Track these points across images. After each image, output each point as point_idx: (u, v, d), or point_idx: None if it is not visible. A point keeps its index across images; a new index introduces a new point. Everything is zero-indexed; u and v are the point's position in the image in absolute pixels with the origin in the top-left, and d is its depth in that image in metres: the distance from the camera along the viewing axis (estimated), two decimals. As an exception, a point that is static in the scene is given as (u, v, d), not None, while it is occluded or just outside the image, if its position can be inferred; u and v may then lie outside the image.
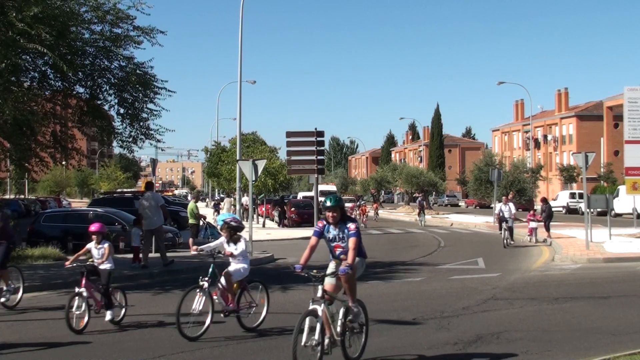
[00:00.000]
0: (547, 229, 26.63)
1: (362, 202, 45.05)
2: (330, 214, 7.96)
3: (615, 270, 17.72)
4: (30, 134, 17.11)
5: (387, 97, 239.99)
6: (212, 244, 10.17)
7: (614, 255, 20.13)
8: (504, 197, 28.44)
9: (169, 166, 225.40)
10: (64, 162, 22.10)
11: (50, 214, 26.34)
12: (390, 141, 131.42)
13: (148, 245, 18.13)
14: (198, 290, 9.43)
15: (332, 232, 8.01)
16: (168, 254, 18.28)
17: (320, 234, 8.06)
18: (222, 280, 9.64)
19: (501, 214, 25.58)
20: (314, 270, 7.69)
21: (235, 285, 9.80)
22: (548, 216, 26.90)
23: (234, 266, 9.77)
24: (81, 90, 17.67)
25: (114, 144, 19.56)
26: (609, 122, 69.71)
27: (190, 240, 22.10)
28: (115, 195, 41.72)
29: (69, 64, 14.92)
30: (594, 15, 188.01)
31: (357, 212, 39.97)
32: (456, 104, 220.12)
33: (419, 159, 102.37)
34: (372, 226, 38.12)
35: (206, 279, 9.51)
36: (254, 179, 21.79)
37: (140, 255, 17.71)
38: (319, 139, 33.66)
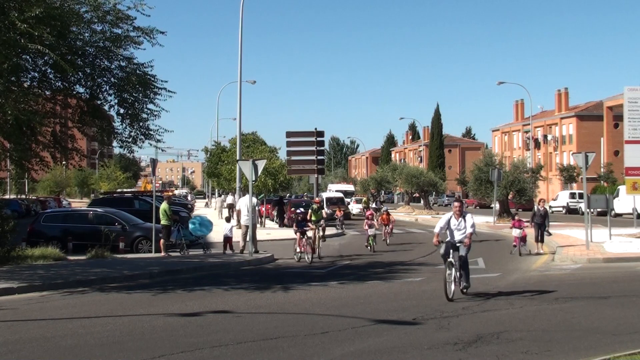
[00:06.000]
0: (539, 238, 21.90)
1: (385, 208, 31.67)
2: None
3: (615, 270, 17.71)
4: (30, 133, 17.10)
5: (387, 97, 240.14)
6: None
7: (614, 255, 20.12)
8: (454, 204, 13.62)
9: (169, 166, 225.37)
10: (64, 162, 22.11)
11: (50, 214, 26.33)
12: (390, 141, 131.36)
13: (253, 237, 21.50)
14: None
15: None
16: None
17: None
18: None
19: (448, 232, 13.46)
20: None
21: None
22: (543, 223, 21.74)
23: None
24: (81, 90, 17.65)
25: (114, 144, 19.57)
26: (609, 122, 69.66)
27: (162, 241, 21.13)
28: (115, 195, 41.71)
29: (69, 63, 14.93)
30: (594, 15, 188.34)
31: (377, 219, 27.32)
32: (456, 104, 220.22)
33: (419, 159, 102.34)
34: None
35: None
36: (254, 179, 21.79)
37: (241, 246, 22.24)
38: (319, 139, 33.66)
